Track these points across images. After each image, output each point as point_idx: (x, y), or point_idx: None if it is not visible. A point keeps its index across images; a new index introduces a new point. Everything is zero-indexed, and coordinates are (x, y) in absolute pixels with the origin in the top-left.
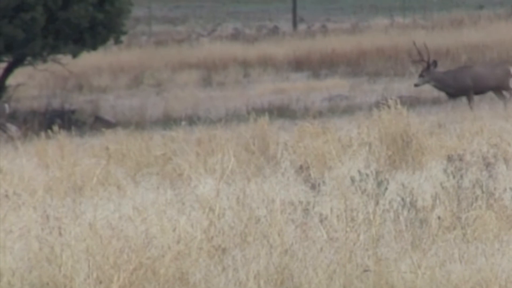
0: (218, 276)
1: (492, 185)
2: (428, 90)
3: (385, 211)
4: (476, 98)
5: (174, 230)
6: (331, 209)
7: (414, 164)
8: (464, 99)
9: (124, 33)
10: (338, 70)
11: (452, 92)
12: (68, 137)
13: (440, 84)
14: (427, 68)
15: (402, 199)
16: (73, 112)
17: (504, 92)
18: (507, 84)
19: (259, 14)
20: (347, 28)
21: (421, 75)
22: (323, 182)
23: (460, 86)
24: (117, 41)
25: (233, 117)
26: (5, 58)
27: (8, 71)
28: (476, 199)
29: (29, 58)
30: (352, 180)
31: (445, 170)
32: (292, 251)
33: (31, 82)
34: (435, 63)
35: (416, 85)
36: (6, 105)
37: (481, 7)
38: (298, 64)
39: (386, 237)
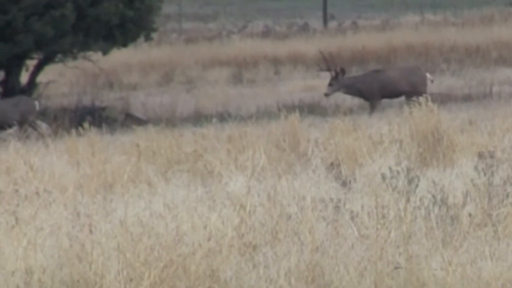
0: (248, 273)
1: None
2: (459, 87)
3: (416, 208)
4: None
5: (205, 227)
6: (362, 206)
7: (445, 161)
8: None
9: (154, 30)
10: (369, 67)
11: (362, 97)
12: (98, 134)
13: (351, 90)
14: (336, 76)
15: (433, 196)
16: (103, 109)
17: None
18: (424, 90)
19: (290, 11)
20: (377, 25)
21: (330, 84)
22: (354, 179)
23: (368, 90)
24: (147, 38)
25: (264, 114)
26: (35, 55)
27: (39, 68)
28: (507, 196)
29: (59, 55)
30: (383, 177)
31: (476, 167)
32: (323, 248)
33: (62, 79)
34: (342, 70)
35: (326, 95)
36: (36, 102)
37: (511, 4)
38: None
39: (417, 234)
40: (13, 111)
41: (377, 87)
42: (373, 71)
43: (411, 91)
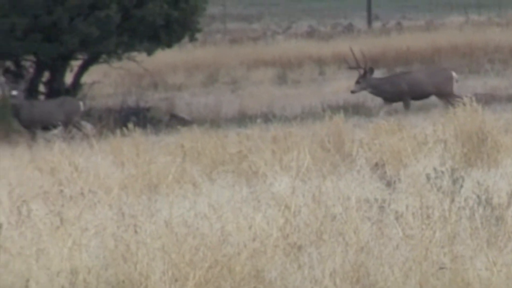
0: (293, 273)
1: None
2: (504, 87)
3: (460, 208)
4: None
5: (249, 227)
6: (407, 207)
7: (490, 161)
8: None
9: (199, 30)
10: (413, 67)
11: (388, 98)
12: (143, 134)
13: (377, 90)
14: (364, 75)
15: (478, 196)
16: (148, 109)
17: (449, 99)
18: (450, 91)
19: (334, 12)
20: (421, 25)
21: (357, 82)
22: (399, 179)
23: (396, 92)
24: (192, 39)
25: (308, 115)
26: (80, 56)
27: (83, 69)
28: None
29: (104, 56)
30: (428, 177)
31: None
32: (368, 249)
33: (106, 80)
34: (371, 70)
35: (352, 92)
36: (81, 103)
37: None
38: (373, 62)
39: (461, 235)
40: (58, 112)
41: (405, 88)
42: (401, 73)
43: (438, 92)
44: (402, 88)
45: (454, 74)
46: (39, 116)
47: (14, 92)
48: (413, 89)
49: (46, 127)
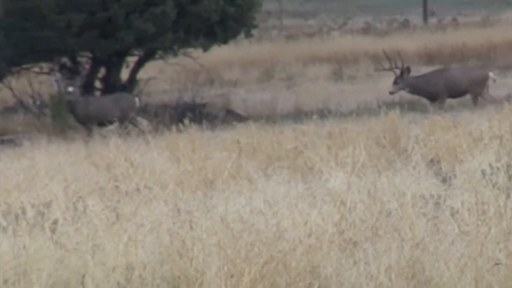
0: (349, 269)
1: None
2: None
3: None
4: None
5: (305, 223)
6: (462, 203)
7: None
8: None
9: (255, 27)
10: (469, 63)
11: (425, 97)
12: (199, 130)
13: (415, 89)
14: (401, 75)
15: None
16: (204, 105)
17: (480, 98)
18: (484, 89)
19: (390, 8)
20: (477, 21)
21: (395, 83)
22: (454, 175)
23: (433, 90)
24: (248, 35)
25: (364, 111)
26: (136, 52)
27: (139, 65)
28: None
29: (159, 52)
30: (483, 173)
31: None
32: (423, 245)
33: (162, 76)
34: (408, 69)
35: (391, 93)
36: (137, 99)
37: None
38: (429, 58)
39: None
40: (114, 108)
41: (442, 86)
42: (438, 71)
43: (472, 90)
44: (439, 86)
45: (491, 74)
46: (95, 112)
47: (70, 89)
48: (450, 86)
49: (102, 123)
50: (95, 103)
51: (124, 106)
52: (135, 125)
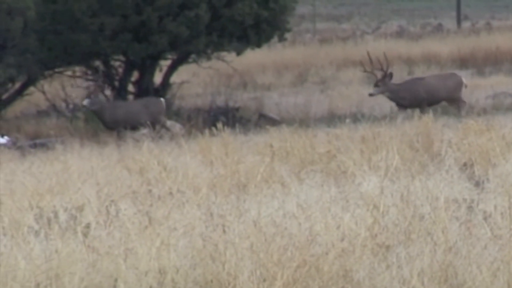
0: (382, 273)
1: None
2: None
3: None
4: None
5: (338, 227)
6: (495, 207)
7: None
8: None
9: (289, 30)
10: (503, 67)
11: (406, 104)
12: (232, 134)
13: (395, 96)
14: (383, 78)
15: None
16: (237, 109)
17: (457, 104)
18: (459, 95)
19: (424, 12)
20: (511, 25)
21: (376, 85)
22: (487, 179)
23: (414, 98)
24: (281, 39)
25: (397, 115)
26: (169, 56)
27: (172, 68)
28: None
29: (193, 56)
30: None
31: None
32: (456, 249)
33: (195, 79)
34: (391, 74)
35: (371, 95)
36: (162, 100)
37: None
38: (463, 62)
39: None
40: (144, 112)
41: (423, 94)
42: (417, 79)
43: (449, 97)
44: (420, 94)
45: (463, 79)
46: (123, 117)
47: (85, 102)
48: (430, 94)
49: (132, 128)
50: (124, 108)
51: (154, 110)
52: (167, 129)
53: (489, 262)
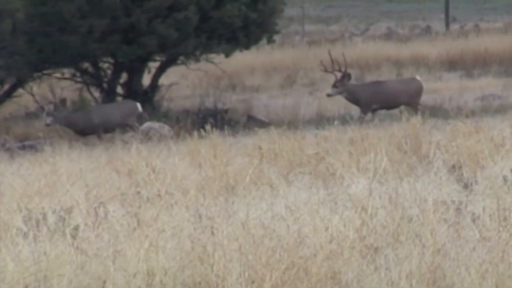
0: (370, 275)
1: None
2: None
3: None
4: None
5: (326, 229)
6: (484, 209)
7: None
8: None
9: (277, 32)
10: (491, 69)
11: (362, 106)
12: (221, 136)
13: (353, 97)
14: (341, 79)
15: None
16: (226, 111)
17: (415, 107)
18: (418, 100)
19: (412, 14)
20: (500, 27)
21: (334, 86)
22: (476, 181)
23: (373, 100)
24: (270, 41)
25: (386, 117)
26: (158, 58)
27: (161, 70)
28: None
29: (182, 58)
30: (505, 179)
31: None
32: (445, 251)
33: (184, 81)
34: (349, 75)
35: (328, 95)
36: (139, 105)
37: None
38: (451, 64)
39: None
40: (116, 115)
41: (380, 97)
42: (377, 82)
43: (409, 101)
44: (377, 97)
45: (422, 84)
46: (98, 121)
47: (48, 121)
48: (389, 98)
49: (106, 131)
50: (97, 112)
51: (126, 113)
52: (134, 130)
53: (477, 264)
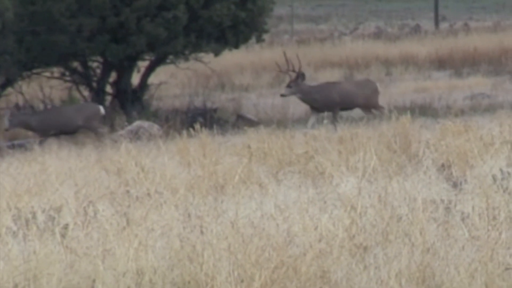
0: (359, 274)
1: None
2: None
3: None
4: None
5: (315, 228)
6: (473, 208)
7: None
8: None
9: (266, 31)
10: (480, 68)
11: (317, 107)
12: (210, 135)
13: (307, 97)
14: (295, 79)
15: None
16: (215, 110)
17: (374, 110)
18: (376, 102)
19: (401, 13)
20: (489, 26)
21: (288, 86)
22: (465, 180)
23: (327, 101)
24: (259, 40)
25: (375, 116)
26: (147, 57)
27: (150, 69)
28: None
29: (171, 57)
30: (494, 178)
31: None
32: (434, 250)
33: (173, 80)
34: (303, 75)
35: (282, 96)
36: (101, 107)
37: None
38: (440, 63)
39: None
40: (77, 117)
41: (335, 98)
42: (331, 83)
43: (366, 103)
44: (333, 98)
45: (378, 85)
46: (58, 123)
47: (6, 124)
48: (344, 100)
49: (66, 132)
50: (56, 114)
51: (88, 115)
52: (98, 134)
53: (466, 263)
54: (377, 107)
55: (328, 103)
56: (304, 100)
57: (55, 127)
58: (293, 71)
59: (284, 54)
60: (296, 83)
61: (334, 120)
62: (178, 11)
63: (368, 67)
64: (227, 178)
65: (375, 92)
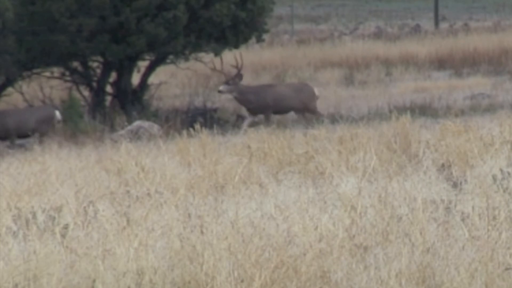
0: (359, 274)
1: None
2: None
3: None
4: None
5: (315, 228)
6: (473, 208)
7: None
8: None
9: (266, 31)
10: (480, 68)
11: (251, 108)
12: (210, 135)
13: (242, 97)
14: (234, 77)
15: None
16: (215, 110)
17: (310, 115)
18: (313, 107)
19: (401, 13)
20: (489, 26)
21: (227, 83)
22: (465, 180)
23: (260, 103)
24: (259, 40)
25: (375, 116)
26: (147, 57)
27: (150, 69)
28: None
29: (171, 57)
30: (494, 178)
31: None
32: (434, 250)
33: (173, 80)
34: (240, 76)
35: (220, 92)
36: (57, 111)
37: None
38: (440, 63)
39: None
40: (31, 121)
41: (269, 101)
42: (267, 85)
43: (302, 107)
44: (266, 101)
45: (316, 90)
46: (14, 126)
47: None
48: (278, 103)
49: (20, 135)
50: (13, 116)
51: (43, 118)
52: (50, 137)
53: (467, 263)
54: (314, 112)
55: (261, 105)
56: (238, 100)
57: (9, 130)
58: (236, 67)
59: (220, 56)
60: (234, 82)
61: (266, 123)
62: (178, 11)
63: (368, 67)
64: (227, 178)
65: (312, 96)
